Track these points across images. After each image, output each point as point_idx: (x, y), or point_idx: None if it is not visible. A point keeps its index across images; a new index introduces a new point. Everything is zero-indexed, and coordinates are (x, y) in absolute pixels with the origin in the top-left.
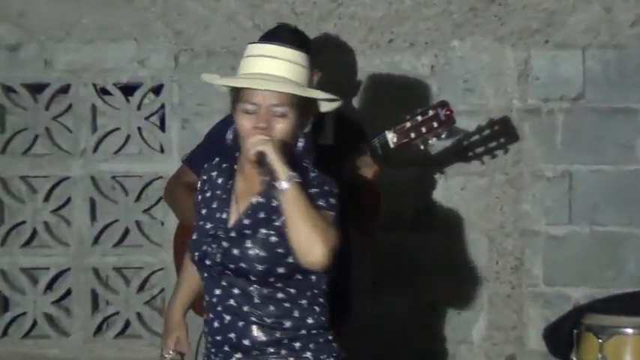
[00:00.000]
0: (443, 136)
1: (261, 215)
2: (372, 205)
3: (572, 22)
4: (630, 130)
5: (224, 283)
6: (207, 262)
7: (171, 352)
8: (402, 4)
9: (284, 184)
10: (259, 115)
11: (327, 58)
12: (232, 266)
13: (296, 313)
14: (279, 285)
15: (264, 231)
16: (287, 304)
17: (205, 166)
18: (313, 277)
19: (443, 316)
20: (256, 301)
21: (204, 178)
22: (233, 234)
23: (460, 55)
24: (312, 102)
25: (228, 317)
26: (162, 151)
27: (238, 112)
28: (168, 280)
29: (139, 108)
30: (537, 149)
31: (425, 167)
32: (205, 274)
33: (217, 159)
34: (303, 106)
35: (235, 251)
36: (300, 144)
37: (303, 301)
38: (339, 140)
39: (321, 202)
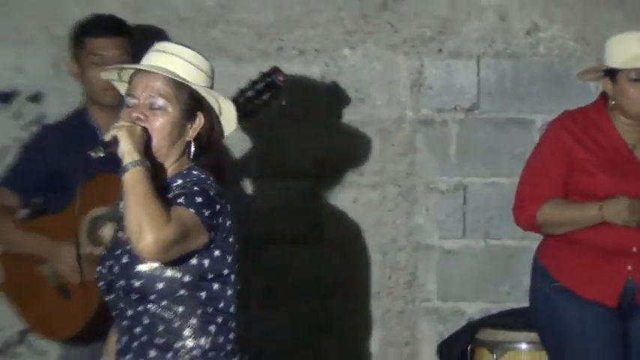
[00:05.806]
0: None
1: None
2: None
3: (467, 30)
4: (525, 142)
5: (122, 305)
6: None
7: None
8: (291, 10)
9: (127, 166)
10: (136, 106)
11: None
12: (122, 283)
13: (187, 332)
14: (163, 303)
15: None
16: (176, 324)
17: None
18: (202, 294)
19: (333, 334)
20: (146, 322)
21: None
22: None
23: (351, 63)
24: (207, 110)
25: (124, 338)
26: None
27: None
28: None
29: None
30: (431, 161)
31: (316, 178)
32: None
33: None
34: (191, 109)
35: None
36: (192, 148)
37: (194, 321)
38: None
39: (180, 200)
